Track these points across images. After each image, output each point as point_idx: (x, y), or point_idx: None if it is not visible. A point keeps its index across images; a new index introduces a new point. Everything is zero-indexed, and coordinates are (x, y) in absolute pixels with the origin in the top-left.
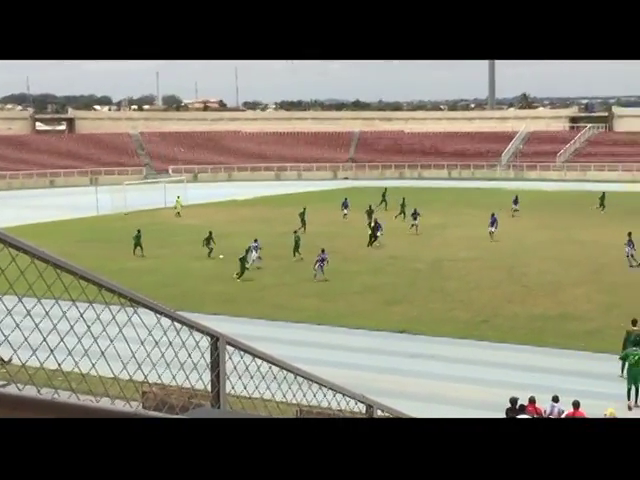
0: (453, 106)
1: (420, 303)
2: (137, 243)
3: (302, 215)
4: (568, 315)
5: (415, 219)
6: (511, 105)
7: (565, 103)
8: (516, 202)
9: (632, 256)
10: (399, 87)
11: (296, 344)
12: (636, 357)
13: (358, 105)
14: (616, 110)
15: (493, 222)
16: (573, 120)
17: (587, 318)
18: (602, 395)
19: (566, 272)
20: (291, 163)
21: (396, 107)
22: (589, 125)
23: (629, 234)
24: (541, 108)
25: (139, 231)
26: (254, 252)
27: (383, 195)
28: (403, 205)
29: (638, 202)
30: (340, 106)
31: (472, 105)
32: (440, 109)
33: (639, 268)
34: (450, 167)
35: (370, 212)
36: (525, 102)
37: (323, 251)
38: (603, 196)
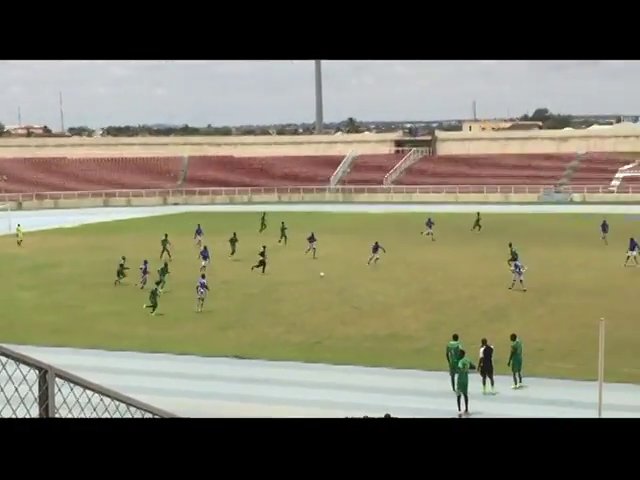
0: (281, 130)
1: (254, 327)
2: None
3: (164, 242)
4: (398, 335)
5: (311, 242)
6: (338, 129)
7: (390, 127)
8: (430, 225)
9: (520, 278)
10: (228, 112)
11: (129, 373)
12: (466, 365)
13: (187, 130)
14: (439, 134)
15: (375, 248)
16: (398, 144)
17: (416, 337)
18: (430, 411)
19: (395, 293)
20: (119, 189)
21: (225, 132)
22: (413, 149)
23: (511, 252)
24: (367, 132)
25: None
26: (201, 290)
27: (262, 219)
28: (283, 229)
29: (463, 222)
30: (168, 131)
31: (300, 129)
32: (269, 133)
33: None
34: (280, 191)
35: (234, 240)
36: (352, 126)
37: (203, 277)
38: (478, 216)
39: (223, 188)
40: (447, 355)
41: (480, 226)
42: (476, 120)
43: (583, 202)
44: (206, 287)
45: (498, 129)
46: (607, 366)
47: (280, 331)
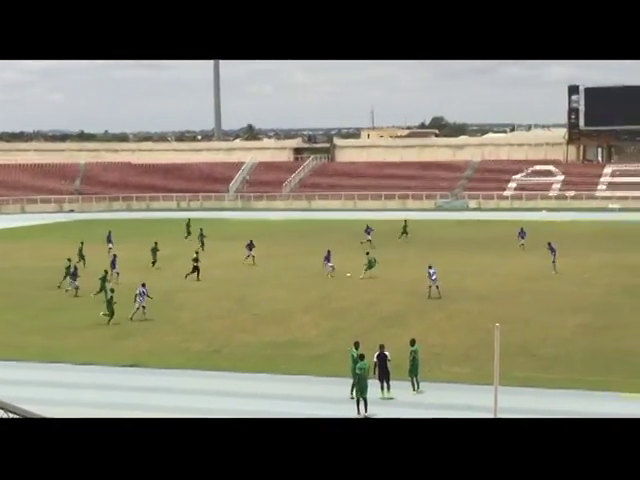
0: (180, 137)
1: (152, 335)
2: None
3: (154, 250)
4: (297, 341)
5: (250, 249)
6: (237, 136)
7: (289, 134)
8: (368, 232)
9: (437, 287)
10: (125, 118)
11: (23, 384)
12: (364, 369)
13: (83, 136)
14: (337, 141)
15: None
16: (297, 151)
17: (315, 343)
18: (329, 417)
19: (294, 299)
20: (13, 196)
21: (122, 138)
22: (312, 156)
23: (429, 267)
24: (266, 139)
25: None
26: (140, 299)
27: (187, 226)
28: (202, 236)
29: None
30: (64, 137)
31: (199, 136)
32: (167, 140)
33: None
34: (179, 198)
35: (155, 250)
36: (251, 133)
37: (143, 285)
38: (405, 224)
39: (120, 195)
40: (352, 360)
41: (407, 233)
42: (374, 128)
43: (479, 209)
44: (147, 295)
45: (396, 137)
46: (502, 370)
47: (179, 339)
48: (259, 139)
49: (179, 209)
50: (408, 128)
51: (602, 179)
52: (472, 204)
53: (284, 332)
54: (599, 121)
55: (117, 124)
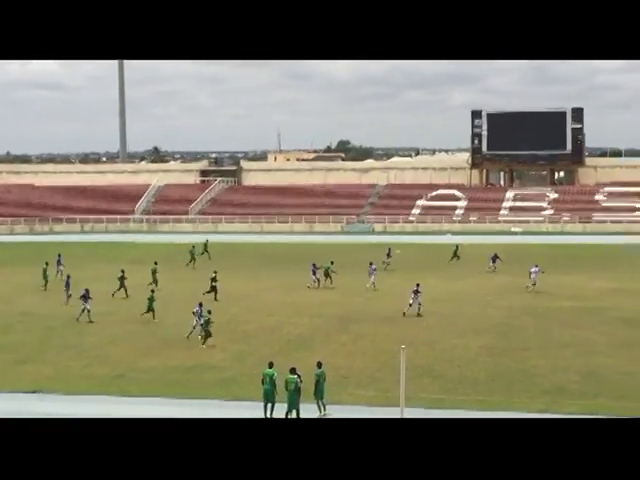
0: (84, 159)
1: (55, 361)
2: None
3: (154, 272)
4: (204, 365)
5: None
6: (143, 158)
7: (196, 157)
8: (389, 254)
9: (419, 305)
10: (27, 139)
11: None
12: (292, 384)
13: None
14: (244, 164)
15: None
16: (204, 174)
17: (222, 367)
18: None
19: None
20: None
21: (25, 160)
22: (219, 179)
23: (417, 285)
24: (172, 162)
25: None
26: (198, 318)
27: (205, 246)
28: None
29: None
30: None
31: (104, 158)
32: (71, 162)
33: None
34: (82, 221)
35: (122, 278)
36: (157, 156)
37: (200, 305)
38: (457, 249)
39: (22, 218)
40: (262, 382)
41: (458, 257)
42: (281, 151)
43: (384, 232)
44: (202, 315)
45: (302, 160)
46: (408, 392)
47: (82, 364)
48: (165, 161)
49: (83, 232)
50: (315, 151)
51: (504, 203)
52: (378, 227)
53: (191, 356)
54: (501, 146)
55: (19, 145)
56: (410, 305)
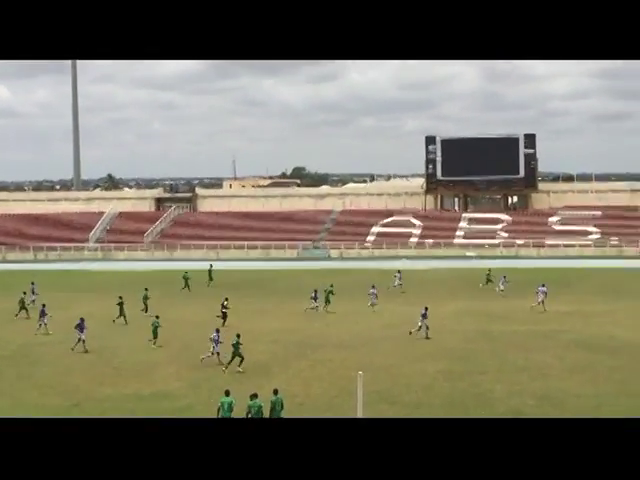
0: (38, 187)
1: (6, 391)
2: None
3: (145, 298)
4: (160, 393)
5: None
6: (97, 186)
7: (151, 184)
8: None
9: (426, 327)
10: None
11: None
12: (256, 407)
13: None
14: (199, 191)
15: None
16: (159, 201)
17: (178, 395)
18: None
19: (157, 351)
20: None
21: None
22: (174, 205)
23: (426, 308)
24: (127, 189)
25: None
26: (215, 345)
27: (209, 272)
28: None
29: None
30: None
31: (57, 186)
32: (24, 190)
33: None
34: (36, 249)
35: (121, 304)
36: (111, 183)
37: (217, 330)
38: (489, 273)
39: None
40: (218, 410)
41: (492, 281)
42: (236, 178)
43: (340, 258)
44: (220, 342)
45: (258, 187)
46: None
47: (35, 395)
48: (120, 189)
49: (36, 260)
50: (270, 178)
51: (459, 228)
52: (334, 253)
53: (147, 384)
54: (455, 171)
55: None
56: (419, 328)
